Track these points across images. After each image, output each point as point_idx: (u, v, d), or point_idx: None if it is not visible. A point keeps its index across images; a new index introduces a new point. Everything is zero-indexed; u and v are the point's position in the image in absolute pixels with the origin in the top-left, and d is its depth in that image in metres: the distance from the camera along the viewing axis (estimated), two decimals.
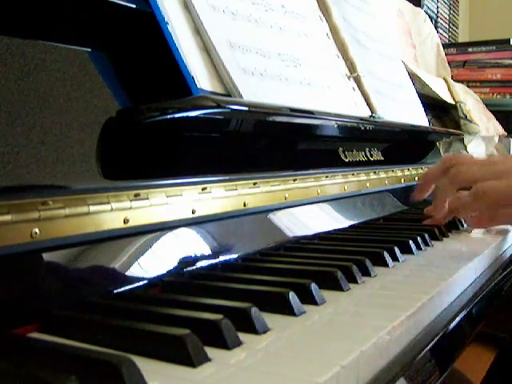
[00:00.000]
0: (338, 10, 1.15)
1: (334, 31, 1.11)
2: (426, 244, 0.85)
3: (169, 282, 0.57)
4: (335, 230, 0.89)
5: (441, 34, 3.82)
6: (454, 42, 4.10)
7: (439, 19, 3.90)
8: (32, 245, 0.46)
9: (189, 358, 0.38)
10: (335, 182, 0.92)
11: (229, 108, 0.68)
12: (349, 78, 1.08)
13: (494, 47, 2.57)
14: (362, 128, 1.01)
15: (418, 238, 0.83)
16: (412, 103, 1.39)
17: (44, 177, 0.50)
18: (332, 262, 0.65)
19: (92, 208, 0.50)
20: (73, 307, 0.48)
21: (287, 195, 0.79)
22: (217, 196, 0.66)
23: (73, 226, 0.49)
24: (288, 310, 0.50)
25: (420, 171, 1.27)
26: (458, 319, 0.60)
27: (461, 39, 4.25)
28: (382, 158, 1.12)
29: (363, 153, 1.06)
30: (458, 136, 1.62)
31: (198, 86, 0.69)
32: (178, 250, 0.61)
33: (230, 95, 0.74)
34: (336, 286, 0.59)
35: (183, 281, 0.59)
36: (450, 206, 0.85)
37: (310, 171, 0.86)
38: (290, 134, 0.87)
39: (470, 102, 1.82)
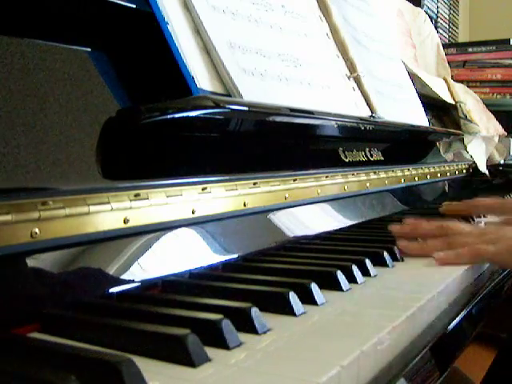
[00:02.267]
0: (338, 9, 1.15)
1: (334, 31, 1.11)
2: None
3: (169, 281, 0.57)
4: (335, 230, 0.89)
5: (441, 34, 3.82)
6: (453, 42, 4.10)
7: (439, 19, 3.90)
8: (32, 245, 0.46)
9: (189, 358, 0.38)
10: (335, 182, 0.92)
11: (229, 108, 0.68)
12: (349, 78, 1.08)
13: (494, 47, 2.57)
14: (362, 128, 1.01)
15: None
16: (412, 103, 1.39)
17: (44, 177, 0.50)
18: (332, 262, 0.65)
19: (92, 208, 0.50)
20: (73, 307, 0.48)
21: (287, 195, 0.79)
22: (217, 196, 0.66)
23: (73, 226, 0.49)
24: (288, 310, 0.50)
25: (420, 171, 1.28)
26: (458, 319, 0.60)
27: (461, 39, 4.25)
28: (382, 158, 1.12)
29: (363, 153, 1.06)
30: (457, 136, 1.62)
31: (198, 86, 0.69)
32: (178, 250, 0.61)
33: (230, 95, 0.74)
34: (336, 286, 0.59)
35: (183, 281, 0.59)
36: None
37: (310, 171, 0.86)
38: (290, 134, 0.87)
39: (470, 102, 1.82)
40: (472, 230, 0.84)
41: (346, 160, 0.99)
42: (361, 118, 1.03)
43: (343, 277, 0.60)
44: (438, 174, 1.39)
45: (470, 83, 2.47)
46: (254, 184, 0.72)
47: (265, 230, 0.76)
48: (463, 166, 1.63)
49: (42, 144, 0.51)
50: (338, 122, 0.93)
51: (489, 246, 0.75)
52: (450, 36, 4.16)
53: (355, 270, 0.63)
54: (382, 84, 1.23)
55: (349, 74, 1.09)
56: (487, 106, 2.03)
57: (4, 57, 0.52)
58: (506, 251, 0.75)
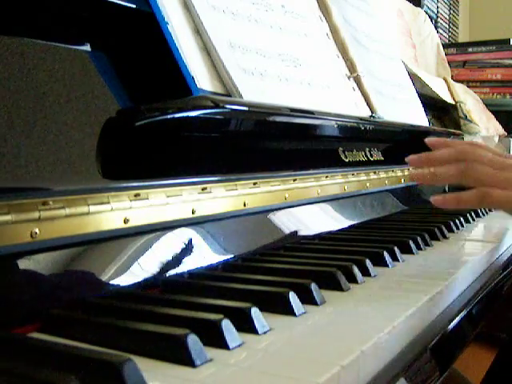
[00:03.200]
0: (338, 10, 1.15)
1: (334, 31, 1.11)
2: (426, 244, 0.85)
3: (169, 281, 0.57)
4: (335, 230, 0.89)
5: (441, 34, 3.82)
6: (453, 41, 4.10)
7: (439, 19, 3.90)
8: (32, 245, 0.46)
9: (189, 358, 0.38)
10: (335, 182, 0.92)
11: (229, 108, 0.68)
12: (349, 78, 1.08)
13: (494, 47, 2.57)
14: (362, 128, 1.01)
15: (418, 238, 0.83)
16: (412, 103, 1.39)
17: (44, 177, 0.50)
18: (332, 262, 0.65)
19: (92, 208, 0.50)
20: (73, 307, 0.48)
21: (287, 195, 0.79)
22: (217, 196, 0.66)
23: (73, 226, 0.49)
24: (288, 310, 0.50)
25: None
26: (457, 319, 0.60)
27: (461, 39, 4.25)
28: (382, 158, 1.12)
29: (363, 153, 1.06)
30: (457, 136, 1.62)
31: (198, 86, 0.69)
32: (178, 250, 0.61)
33: (230, 95, 0.74)
34: (336, 286, 0.59)
35: (183, 281, 0.59)
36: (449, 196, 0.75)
37: (310, 171, 0.86)
38: (289, 133, 0.87)
39: (470, 102, 1.82)
40: (493, 159, 0.74)
41: (346, 160, 0.99)
42: (361, 118, 1.03)
43: (343, 277, 0.60)
44: None
45: (469, 83, 2.47)
46: (254, 184, 0.72)
47: (265, 230, 0.76)
48: None
49: (42, 144, 0.51)
50: (338, 122, 0.93)
51: (503, 192, 0.68)
52: (450, 36, 4.16)
53: (355, 270, 0.63)
54: (382, 84, 1.23)
55: (349, 73, 1.09)
56: (487, 106, 2.03)
57: (4, 57, 0.52)
58: None
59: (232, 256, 0.67)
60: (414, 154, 0.78)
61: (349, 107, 1.02)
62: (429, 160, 0.76)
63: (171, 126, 0.63)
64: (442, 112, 1.75)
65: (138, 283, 0.55)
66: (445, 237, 0.93)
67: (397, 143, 1.23)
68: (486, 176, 0.70)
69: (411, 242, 0.80)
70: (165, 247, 0.59)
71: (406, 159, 0.77)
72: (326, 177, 0.89)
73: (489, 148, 0.78)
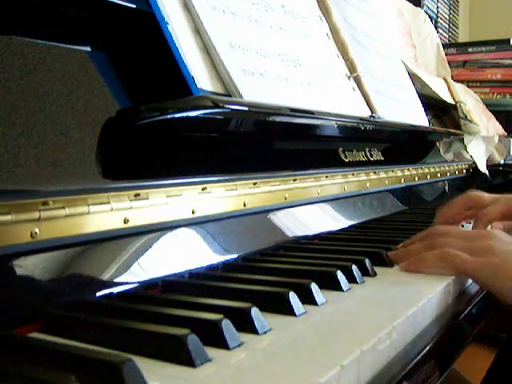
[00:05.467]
0: (338, 9, 1.15)
1: (334, 31, 1.11)
2: None
3: (169, 281, 0.57)
4: (335, 230, 0.89)
5: (441, 34, 3.82)
6: (453, 42, 4.10)
7: (439, 19, 3.90)
8: (32, 245, 0.46)
9: (189, 358, 0.38)
10: (335, 182, 0.92)
11: (228, 108, 0.68)
12: (349, 78, 1.08)
13: (494, 47, 2.57)
14: (362, 128, 1.01)
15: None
16: (412, 103, 1.39)
17: (44, 177, 0.50)
18: (332, 262, 0.65)
19: (92, 208, 0.50)
20: (73, 307, 0.48)
21: (287, 195, 0.79)
22: (217, 196, 0.66)
23: (73, 226, 0.49)
24: (288, 310, 0.50)
25: (420, 171, 1.28)
26: (458, 319, 0.60)
27: (461, 39, 4.25)
28: (382, 158, 1.12)
29: (363, 153, 1.06)
30: (457, 136, 1.62)
31: (198, 86, 0.69)
32: (178, 250, 0.61)
33: (230, 95, 0.74)
34: (336, 286, 0.59)
35: (183, 281, 0.59)
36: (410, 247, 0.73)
37: (310, 171, 0.86)
38: (290, 134, 0.87)
39: (470, 102, 1.82)
40: (460, 233, 0.72)
41: (346, 160, 0.99)
42: (361, 118, 1.03)
43: (343, 277, 0.60)
44: (438, 174, 1.39)
45: (469, 83, 2.47)
46: (254, 184, 0.72)
47: (265, 230, 0.76)
48: (463, 166, 1.63)
49: (42, 144, 0.51)
50: (338, 122, 0.93)
51: (468, 257, 0.64)
52: (450, 36, 4.16)
53: (355, 270, 0.63)
54: (382, 84, 1.23)
55: (349, 73, 1.09)
56: (487, 105, 2.03)
57: (4, 57, 0.52)
58: (487, 268, 0.62)
59: (232, 256, 0.67)
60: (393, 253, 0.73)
61: (349, 107, 1.02)
62: (405, 256, 0.71)
63: (171, 126, 0.63)
64: (442, 112, 1.75)
65: (138, 283, 0.55)
66: None
67: (397, 143, 1.23)
68: (453, 246, 0.67)
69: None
70: (165, 247, 0.59)
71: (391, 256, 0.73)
72: (326, 177, 0.89)
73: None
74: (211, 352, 0.40)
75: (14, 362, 0.38)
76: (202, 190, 0.63)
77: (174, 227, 0.60)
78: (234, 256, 0.67)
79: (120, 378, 0.34)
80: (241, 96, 0.74)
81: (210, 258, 0.64)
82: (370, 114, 1.10)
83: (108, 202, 0.52)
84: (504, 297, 0.63)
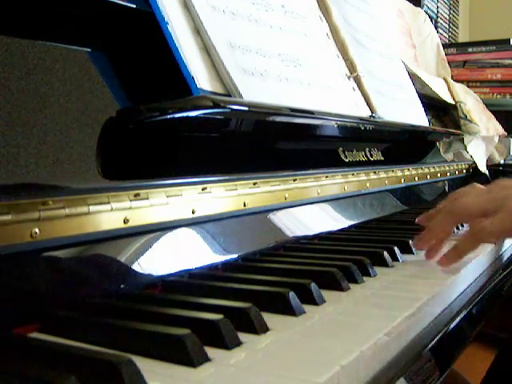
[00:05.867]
0: (338, 9, 1.15)
1: (334, 31, 1.11)
2: None
3: (169, 281, 0.57)
4: (335, 230, 0.89)
5: (441, 34, 3.82)
6: (453, 42, 4.10)
7: (439, 19, 3.90)
8: (32, 245, 0.46)
9: (189, 358, 0.38)
10: (335, 182, 0.92)
11: (228, 108, 0.68)
12: (349, 78, 1.08)
13: (494, 47, 2.57)
14: (362, 128, 1.01)
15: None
16: (412, 103, 1.39)
17: (44, 177, 0.50)
18: (332, 262, 0.65)
19: (92, 208, 0.50)
20: (73, 307, 0.48)
21: (287, 195, 0.79)
22: (217, 196, 0.66)
23: (73, 226, 0.49)
24: (288, 310, 0.50)
25: (420, 171, 1.27)
26: (458, 319, 0.60)
27: (461, 39, 4.25)
28: (382, 158, 1.12)
29: (363, 153, 1.06)
30: (457, 136, 1.62)
31: (198, 86, 0.69)
32: (178, 250, 0.61)
33: (230, 95, 0.74)
34: (336, 286, 0.59)
35: (183, 281, 0.59)
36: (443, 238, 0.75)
37: (310, 171, 0.86)
38: (290, 134, 0.87)
39: (470, 102, 1.82)
40: (477, 189, 0.76)
41: (346, 160, 0.99)
42: (361, 118, 1.03)
43: (343, 277, 0.60)
44: (438, 174, 1.39)
45: (470, 83, 2.47)
46: (254, 184, 0.72)
47: (265, 230, 0.76)
48: (463, 166, 1.63)
49: (42, 144, 0.51)
50: (338, 122, 0.93)
51: (494, 219, 0.67)
52: (450, 36, 4.16)
53: (355, 269, 0.63)
54: (382, 84, 1.23)
55: (349, 73, 1.09)
56: (487, 106, 2.03)
57: (4, 57, 0.52)
58: (509, 222, 0.66)
59: (232, 256, 0.67)
60: (418, 239, 0.75)
61: (349, 107, 1.02)
62: (430, 234, 0.74)
63: (171, 125, 0.63)
64: (442, 112, 1.75)
65: (138, 283, 0.55)
66: None
67: (397, 143, 1.23)
68: (473, 203, 0.69)
69: (411, 242, 0.80)
70: (165, 247, 0.59)
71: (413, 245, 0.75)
72: (326, 177, 0.89)
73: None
74: (211, 352, 0.40)
75: (14, 361, 0.38)
76: (202, 190, 0.63)
77: (173, 227, 0.60)
78: (234, 256, 0.67)
79: (120, 378, 0.34)
80: (241, 96, 0.74)
81: (210, 258, 0.64)
82: (370, 113, 1.10)
83: (108, 202, 0.52)
84: None
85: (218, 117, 0.69)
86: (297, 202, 0.82)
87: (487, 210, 0.68)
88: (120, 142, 0.58)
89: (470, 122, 1.71)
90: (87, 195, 0.51)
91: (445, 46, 2.47)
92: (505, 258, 0.89)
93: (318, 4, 1.10)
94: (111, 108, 0.60)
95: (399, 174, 1.16)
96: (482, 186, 0.82)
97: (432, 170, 1.35)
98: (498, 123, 1.97)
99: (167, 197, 0.59)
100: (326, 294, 0.55)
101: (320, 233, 0.85)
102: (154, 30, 0.68)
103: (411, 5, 1.88)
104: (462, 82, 2.25)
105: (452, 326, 0.58)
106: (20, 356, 0.39)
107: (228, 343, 0.42)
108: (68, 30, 0.63)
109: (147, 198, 0.56)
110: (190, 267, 0.61)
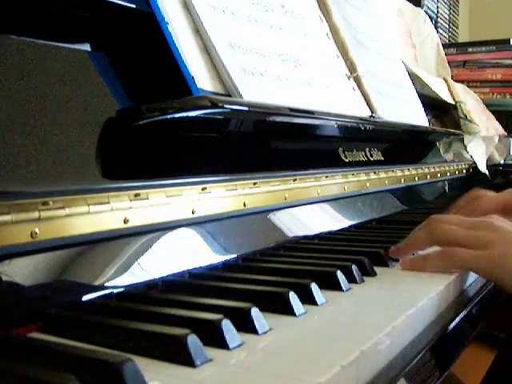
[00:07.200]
0: (338, 10, 1.15)
1: (334, 31, 1.11)
2: None
3: (169, 281, 0.57)
4: (335, 230, 0.89)
5: (441, 34, 3.82)
6: (453, 42, 4.10)
7: (439, 19, 3.90)
8: (32, 245, 0.46)
9: (189, 358, 0.38)
10: (335, 182, 0.92)
11: (228, 108, 0.68)
12: (349, 78, 1.08)
13: (494, 47, 2.57)
14: (362, 128, 1.01)
15: None
16: (412, 103, 1.39)
17: (44, 177, 0.50)
18: (332, 262, 0.65)
19: (92, 208, 0.50)
20: (73, 307, 0.48)
21: (287, 195, 0.79)
22: (217, 196, 0.66)
23: (73, 226, 0.49)
24: (288, 310, 0.50)
25: (420, 171, 1.27)
26: (458, 319, 0.60)
27: (461, 39, 4.25)
28: (382, 158, 1.12)
29: (363, 153, 1.06)
30: (457, 136, 1.62)
31: (198, 86, 0.69)
32: (178, 250, 0.61)
33: (230, 95, 0.74)
34: (336, 286, 0.59)
35: (183, 281, 0.59)
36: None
37: (310, 171, 0.86)
38: (289, 133, 0.87)
39: (470, 102, 1.82)
40: (463, 219, 0.72)
41: (346, 160, 0.99)
42: (361, 118, 1.03)
43: (343, 277, 0.60)
44: (438, 174, 1.39)
45: (470, 83, 2.47)
46: (254, 184, 0.72)
47: (265, 230, 0.76)
48: (463, 166, 1.62)
49: (42, 144, 0.51)
50: (338, 122, 0.93)
51: (470, 251, 0.64)
52: (450, 36, 4.16)
53: (355, 270, 0.63)
54: (382, 84, 1.23)
55: (349, 74, 1.09)
56: (487, 106, 2.03)
57: (4, 57, 0.52)
58: (488, 261, 0.63)
59: (232, 256, 0.67)
60: (395, 248, 0.73)
61: (349, 107, 1.02)
62: (407, 246, 0.73)
63: (171, 125, 0.63)
64: (442, 112, 1.75)
65: (138, 283, 0.55)
66: None
67: (397, 143, 1.23)
68: (455, 235, 0.67)
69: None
70: (165, 247, 0.59)
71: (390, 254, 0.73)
72: (326, 177, 0.89)
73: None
74: (211, 352, 0.40)
75: (14, 361, 0.38)
76: (202, 189, 0.63)
77: (173, 227, 0.60)
78: (234, 256, 0.67)
79: (120, 377, 0.34)
80: (241, 96, 0.74)
81: (210, 258, 0.64)
82: (369, 114, 1.10)
83: (108, 202, 0.52)
84: (507, 286, 0.64)
85: (218, 117, 0.69)
86: (297, 202, 0.82)
87: (468, 244, 0.66)
88: (120, 142, 0.58)
89: (470, 121, 1.71)
90: (87, 195, 0.51)
91: (445, 46, 2.47)
92: None
93: (317, 4, 1.10)
94: (111, 108, 0.60)
95: (399, 173, 1.16)
96: (486, 193, 0.82)
97: (432, 169, 1.35)
98: (497, 123, 1.97)
99: (167, 197, 0.59)
100: (325, 294, 0.55)
101: (320, 233, 0.85)
102: (153, 30, 0.68)
103: (411, 5, 1.88)
104: (462, 82, 2.25)
105: (452, 325, 0.58)
106: (20, 356, 0.39)
107: (228, 343, 0.42)
108: (68, 29, 0.63)
109: (147, 198, 0.56)
110: (190, 267, 0.61)
